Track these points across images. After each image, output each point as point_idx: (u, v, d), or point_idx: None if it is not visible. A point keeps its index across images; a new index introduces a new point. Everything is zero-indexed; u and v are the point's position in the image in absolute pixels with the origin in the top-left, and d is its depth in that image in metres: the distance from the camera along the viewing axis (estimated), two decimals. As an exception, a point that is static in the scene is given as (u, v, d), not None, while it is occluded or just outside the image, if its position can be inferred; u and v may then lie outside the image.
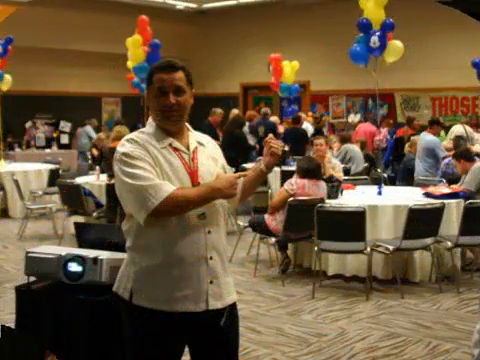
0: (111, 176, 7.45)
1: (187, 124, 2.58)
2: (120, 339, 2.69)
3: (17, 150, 14.29)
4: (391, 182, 9.60)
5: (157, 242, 2.41)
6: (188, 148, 2.51)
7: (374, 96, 7.66)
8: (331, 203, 6.11)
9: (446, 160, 8.22)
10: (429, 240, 5.95)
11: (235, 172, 3.39)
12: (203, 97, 13.40)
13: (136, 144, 2.42)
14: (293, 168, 8.21)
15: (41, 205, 9.31)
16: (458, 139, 9.05)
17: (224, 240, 2.54)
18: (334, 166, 7.50)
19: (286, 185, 6.32)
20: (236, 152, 9.96)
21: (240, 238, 7.45)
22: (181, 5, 16.15)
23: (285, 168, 9.61)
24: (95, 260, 2.95)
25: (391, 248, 5.76)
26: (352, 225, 5.71)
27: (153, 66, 2.52)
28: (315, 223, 5.70)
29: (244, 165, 10.02)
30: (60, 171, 10.12)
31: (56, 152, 14.48)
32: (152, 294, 2.42)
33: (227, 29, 17.17)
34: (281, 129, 12.17)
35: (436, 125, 9.20)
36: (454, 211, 6.31)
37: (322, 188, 6.34)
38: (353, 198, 6.62)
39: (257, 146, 11.16)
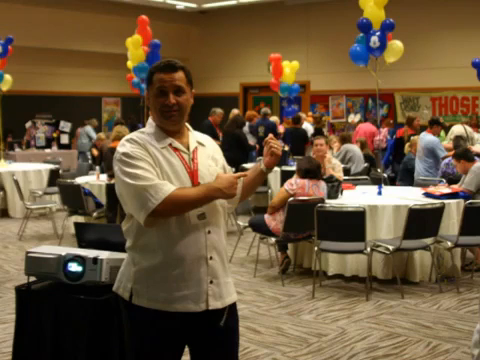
0: (111, 176, 7.46)
1: (187, 124, 2.58)
2: (120, 339, 2.69)
3: (17, 150, 14.28)
4: (391, 182, 9.59)
5: (157, 242, 2.41)
6: (188, 148, 2.51)
7: (374, 96, 7.66)
8: (331, 203, 6.11)
9: (446, 160, 8.22)
10: (429, 240, 5.95)
11: (235, 172, 3.39)
12: (203, 97, 13.43)
13: (136, 144, 2.42)
14: (293, 168, 8.21)
15: (41, 205, 9.31)
16: (458, 139, 9.04)
17: (224, 240, 2.54)
18: (334, 166, 7.50)
19: (286, 185, 6.32)
20: (236, 152, 9.97)
21: (240, 238, 7.45)
22: (181, 5, 16.15)
23: (285, 168, 9.61)
24: (95, 260, 2.95)
25: (391, 248, 5.76)
26: (352, 225, 5.71)
27: (153, 66, 2.51)
28: (315, 223, 5.70)
29: (244, 165, 10.02)
30: (60, 171, 10.11)
31: (56, 152, 14.48)
32: (152, 294, 2.42)
33: (227, 29, 17.17)
34: (281, 129, 12.17)
35: (436, 125, 9.20)
36: (454, 211, 6.31)
37: (322, 188, 6.34)
38: (353, 198, 6.62)
39: (257, 146, 11.17)
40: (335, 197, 6.52)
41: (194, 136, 2.58)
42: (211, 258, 2.45)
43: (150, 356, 2.47)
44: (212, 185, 2.41)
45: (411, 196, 6.64)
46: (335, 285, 6.18)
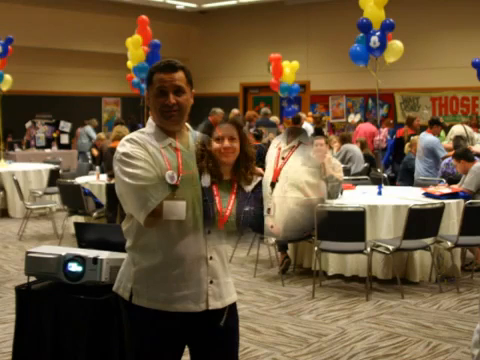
0: (111, 176, 7.46)
1: (187, 124, 2.58)
2: (120, 339, 2.69)
3: (17, 150, 14.29)
4: (391, 182, 9.59)
5: (157, 242, 2.40)
6: (188, 148, 2.51)
7: (374, 96, 7.66)
8: (331, 203, 6.11)
9: (446, 160, 8.21)
10: (429, 240, 5.95)
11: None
12: (203, 97, 13.42)
13: (136, 144, 2.42)
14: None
15: (41, 205, 9.31)
16: (458, 139, 9.04)
17: (224, 240, 2.54)
18: (334, 166, 7.48)
19: (286, 185, 6.30)
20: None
21: (240, 238, 7.44)
22: (181, 5, 16.15)
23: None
24: (95, 260, 2.95)
25: (391, 248, 5.76)
26: (352, 225, 5.71)
27: (153, 66, 2.51)
28: (315, 223, 5.69)
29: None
30: (60, 171, 10.11)
31: (56, 152, 14.48)
32: (152, 294, 2.42)
33: (227, 29, 17.16)
34: (281, 129, 12.15)
35: (436, 125, 9.20)
36: (454, 211, 6.31)
37: (322, 188, 6.32)
38: (353, 198, 6.62)
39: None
40: (335, 197, 6.52)
41: (194, 136, 2.58)
42: (211, 258, 2.45)
43: (150, 356, 2.47)
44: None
45: (411, 196, 6.64)
46: (335, 285, 6.18)
